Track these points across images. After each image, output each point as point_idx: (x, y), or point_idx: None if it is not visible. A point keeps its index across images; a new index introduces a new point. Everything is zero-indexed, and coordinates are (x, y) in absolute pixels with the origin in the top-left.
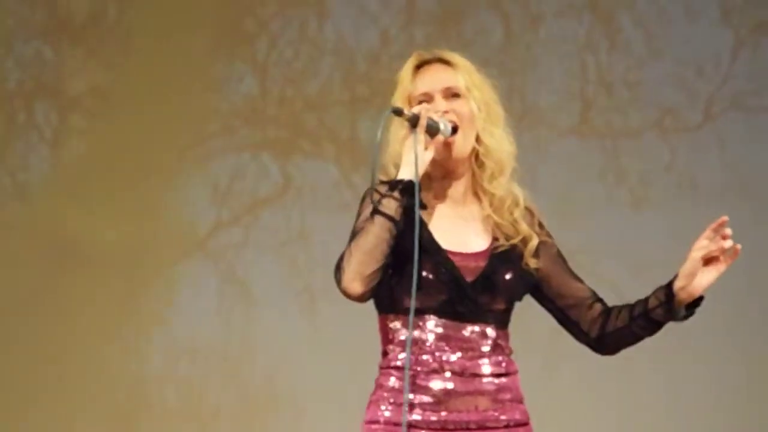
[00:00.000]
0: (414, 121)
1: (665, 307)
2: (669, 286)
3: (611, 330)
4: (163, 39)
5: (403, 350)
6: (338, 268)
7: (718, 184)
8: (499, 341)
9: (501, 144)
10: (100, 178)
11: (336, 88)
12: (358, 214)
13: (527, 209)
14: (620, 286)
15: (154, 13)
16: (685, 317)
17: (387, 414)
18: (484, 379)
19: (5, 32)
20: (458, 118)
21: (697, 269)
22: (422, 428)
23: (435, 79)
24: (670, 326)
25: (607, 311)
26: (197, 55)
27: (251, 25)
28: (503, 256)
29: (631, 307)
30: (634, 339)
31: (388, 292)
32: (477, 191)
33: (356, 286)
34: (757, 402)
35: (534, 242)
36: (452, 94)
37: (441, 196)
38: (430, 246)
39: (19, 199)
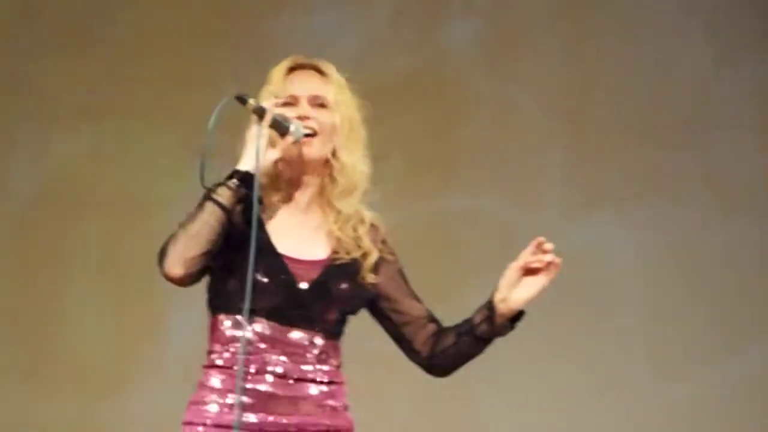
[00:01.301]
0: (260, 113)
1: (488, 323)
2: (491, 301)
3: (440, 349)
4: (146, 55)
5: (227, 350)
6: (162, 251)
7: (700, 200)
8: (327, 351)
9: (357, 164)
10: (87, 189)
11: None
12: None
13: (372, 225)
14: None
15: (138, 27)
16: (509, 330)
17: (211, 413)
18: (307, 384)
19: None
20: (318, 126)
21: (514, 279)
22: (241, 429)
23: (305, 84)
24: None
25: (440, 331)
26: (177, 74)
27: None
28: (341, 268)
29: (458, 326)
30: (462, 357)
31: (225, 293)
32: (323, 204)
33: (177, 269)
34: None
35: (373, 257)
36: (319, 104)
37: (285, 201)
38: (266, 248)
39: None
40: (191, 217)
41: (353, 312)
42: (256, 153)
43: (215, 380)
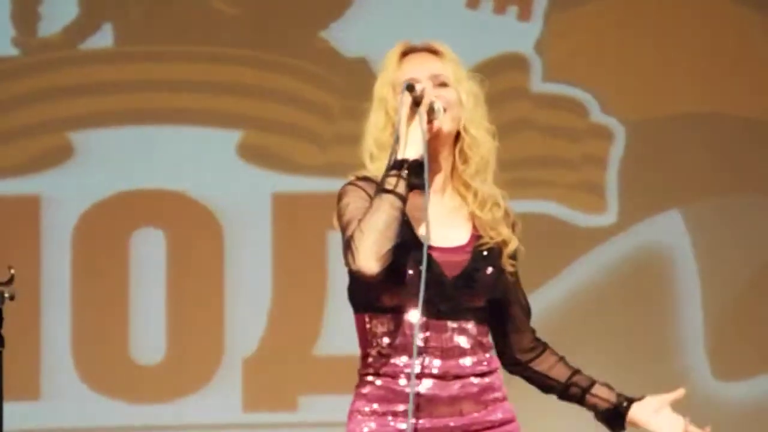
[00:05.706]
0: (419, 99)
1: (608, 414)
2: (623, 406)
3: (538, 370)
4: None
5: (384, 356)
6: (349, 248)
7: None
8: (480, 338)
9: (486, 137)
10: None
11: None
12: (343, 206)
13: (506, 213)
14: None
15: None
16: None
17: (372, 425)
18: (467, 380)
19: None
20: (446, 103)
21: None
22: None
23: (423, 66)
24: None
25: (542, 348)
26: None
27: None
28: (486, 253)
29: (573, 375)
30: (549, 392)
31: (364, 289)
32: (458, 186)
33: (373, 265)
34: None
35: (513, 245)
36: (440, 83)
37: (421, 186)
38: (410, 241)
39: None
40: (372, 212)
41: (497, 298)
42: (422, 137)
43: (374, 388)
